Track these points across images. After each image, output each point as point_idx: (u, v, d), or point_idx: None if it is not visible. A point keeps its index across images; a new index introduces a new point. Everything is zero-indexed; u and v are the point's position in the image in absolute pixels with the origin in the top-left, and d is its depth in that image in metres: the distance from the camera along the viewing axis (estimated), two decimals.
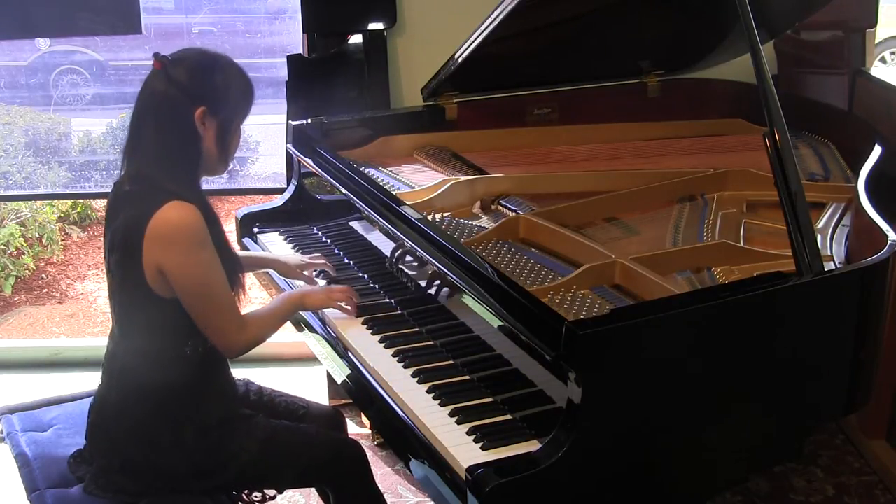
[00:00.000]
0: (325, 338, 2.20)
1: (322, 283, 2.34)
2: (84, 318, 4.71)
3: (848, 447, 3.00)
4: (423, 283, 2.09)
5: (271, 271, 2.42)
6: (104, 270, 2.01)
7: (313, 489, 2.50)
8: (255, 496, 2.14)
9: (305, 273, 2.34)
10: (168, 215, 1.83)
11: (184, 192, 1.87)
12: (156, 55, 1.91)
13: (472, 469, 1.59)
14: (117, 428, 1.97)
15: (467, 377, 1.91)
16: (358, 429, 3.13)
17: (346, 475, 2.12)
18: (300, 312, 2.29)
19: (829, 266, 1.89)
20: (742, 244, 2.15)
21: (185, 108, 1.88)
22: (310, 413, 2.22)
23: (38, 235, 5.02)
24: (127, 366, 1.98)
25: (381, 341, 2.07)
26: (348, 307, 2.17)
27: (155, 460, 1.94)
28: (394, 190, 2.44)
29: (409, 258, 2.15)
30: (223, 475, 1.98)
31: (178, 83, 1.88)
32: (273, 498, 2.17)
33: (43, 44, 4.78)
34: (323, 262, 2.36)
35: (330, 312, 2.20)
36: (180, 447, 1.95)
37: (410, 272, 2.15)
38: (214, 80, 1.92)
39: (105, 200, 2.02)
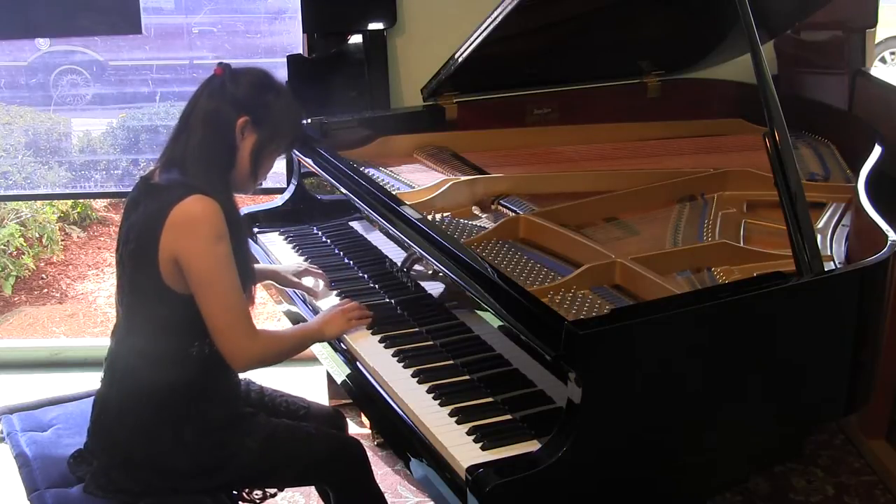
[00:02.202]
0: None
1: (332, 295, 2.33)
2: (84, 318, 4.71)
3: (848, 447, 3.00)
4: (431, 292, 2.09)
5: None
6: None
7: (313, 489, 2.50)
8: (256, 494, 2.14)
9: (304, 280, 2.34)
10: (190, 206, 1.86)
11: (210, 190, 1.89)
12: (220, 63, 1.97)
13: (472, 469, 1.59)
14: (119, 425, 1.97)
15: (467, 377, 1.91)
16: (358, 429, 3.13)
17: (347, 474, 2.12)
18: (301, 313, 2.30)
19: (829, 266, 1.89)
20: (742, 244, 2.15)
21: (230, 114, 1.94)
22: (311, 413, 2.23)
23: (38, 235, 5.02)
24: (130, 363, 1.98)
25: (381, 341, 2.07)
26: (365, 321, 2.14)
27: (156, 458, 1.95)
28: (394, 190, 2.44)
29: (418, 267, 2.15)
30: (224, 474, 1.98)
31: (230, 92, 1.94)
32: (273, 496, 2.17)
33: (43, 44, 4.78)
34: (319, 273, 2.36)
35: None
36: (182, 445, 1.95)
37: (420, 280, 2.15)
38: (266, 96, 1.97)
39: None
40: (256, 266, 2.33)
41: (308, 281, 2.36)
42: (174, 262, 1.87)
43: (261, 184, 2.07)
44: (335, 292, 2.31)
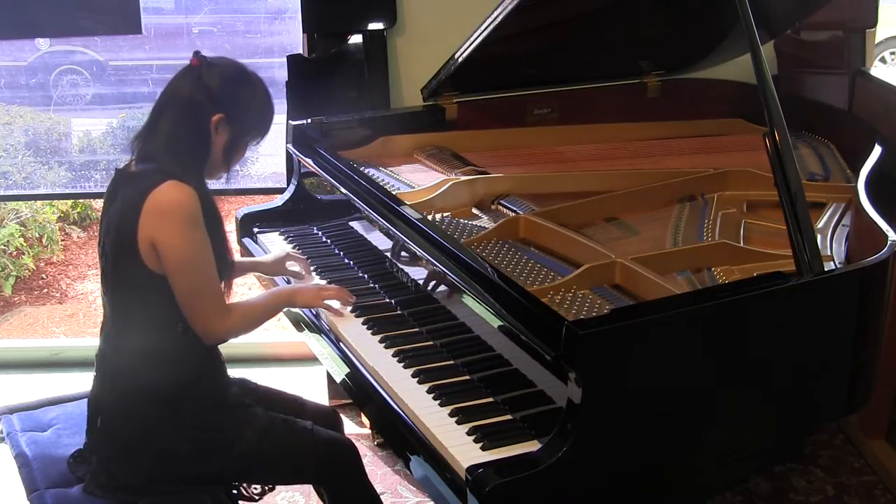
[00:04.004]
0: (325, 338, 2.19)
1: (317, 279, 2.34)
2: (84, 318, 4.71)
3: (848, 447, 3.00)
4: (420, 280, 2.09)
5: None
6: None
7: (313, 489, 2.50)
8: (254, 489, 2.14)
9: (288, 265, 2.36)
10: (166, 192, 1.88)
11: (186, 177, 1.91)
12: (196, 53, 1.97)
13: (472, 469, 1.59)
14: (116, 416, 1.98)
15: (467, 377, 1.91)
16: (358, 429, 3.13)
17: (340, 474, 2.12)
18: (300, 312, 2.30)
19: (829, 266, 1.89)
20: (742, 244, 2.15)
21: (206, 109, 1.95)
22: (306, 411, 2.22)
23: (38, 235, 5.02)
24: (122, 354, 1.99)
25: (381, 341, 2.07)
26: (339, 307, 2.18)
27: (154, 444, 1.96)
28: (394, 190, 2.44)
29: (404, 254, 2.15)
30: (221, 462, 1.99)
31: (206, 85, 1.95)
32: (272, 490, 2.17)
33: (43, 44, 4.78)
34: (301, 258, 2.38)
35: (326, 311, 2.19)
36: (179, 430, 1.97)
37: (406, 268, 2.15)
38: (242, 92, 1.99)
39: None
40: (238, 259, 2.35)
41: (293, 266, 2.37)
42: (152, 245, 1.89)
43: (232, 170, 2.08)
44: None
